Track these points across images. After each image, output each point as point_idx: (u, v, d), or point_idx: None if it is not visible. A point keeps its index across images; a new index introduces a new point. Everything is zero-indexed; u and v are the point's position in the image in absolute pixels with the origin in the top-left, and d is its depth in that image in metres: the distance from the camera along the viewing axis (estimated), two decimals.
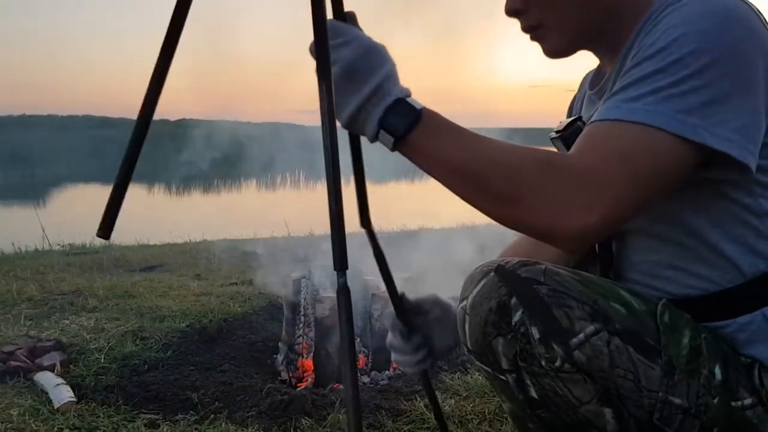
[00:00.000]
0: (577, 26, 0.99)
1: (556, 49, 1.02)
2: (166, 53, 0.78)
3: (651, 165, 0.80)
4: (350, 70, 0.83)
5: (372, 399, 1.88)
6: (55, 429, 1.66)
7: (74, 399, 1.82)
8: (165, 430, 1.69)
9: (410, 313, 1.17)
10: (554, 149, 1.10)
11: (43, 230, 5.86)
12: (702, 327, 0.94)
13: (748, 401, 0.92)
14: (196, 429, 1.71)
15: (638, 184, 0.80)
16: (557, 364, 0.87)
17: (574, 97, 1.23)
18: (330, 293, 2.29)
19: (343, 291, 0.76)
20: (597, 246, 1.07)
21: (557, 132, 1.09)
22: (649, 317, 0.91)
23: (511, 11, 1.01)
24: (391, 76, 0.84)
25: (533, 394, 0.92)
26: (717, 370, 0.91)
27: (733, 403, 0.91)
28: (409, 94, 0.85)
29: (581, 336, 0.87)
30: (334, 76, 0.81)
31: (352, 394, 0.75)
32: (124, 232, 6.40)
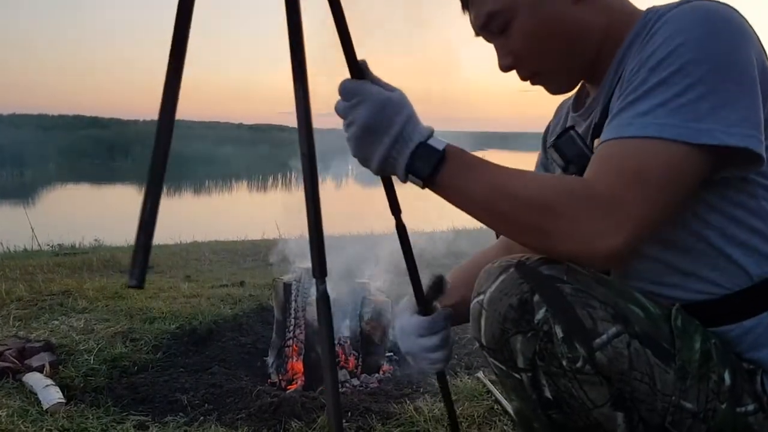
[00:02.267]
0: (569, 68, 1.04)
1: (558, 90, 1.08)
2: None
3: (668, 179, 0.83)
4: (368, 127, 0.89)
5: (362, 402, 1.89)
6: (44, 430, 1.65)
7: (63, 400, 1.82)
8: (154, 431, 1.69)
9: (439, 298, 1.11)
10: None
11: (33, 230, 5.84)
12: (710, 332, 0.94)
13: (750, 407, 0.92)
14: (185, 431, 1.71)
15: (657, 202, 0.83)
16: (579, 364, 0.86)
17: (549, 125, 1.26)
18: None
19: (323, 298, 0.77)
20: None
21: (552, 141, 1.10)
22: (664, 321, 0.91)
23: (504, 68, 1.06)
24: (410, 121, 0.89)
25: (547, 394, 0.90)
26: (726, 376, 0.92)
27: (738, 409, 0.92)
28: (431, 134, 0.90)
29: (604, 337, 0.86)
30: (354, 134, 0.89)
31: (333, 400, 0.75)
32: (114, 233, 6.38)
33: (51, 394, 1.83)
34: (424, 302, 1.09)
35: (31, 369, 2.03)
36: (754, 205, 0.92)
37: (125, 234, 6.30)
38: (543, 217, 0.84)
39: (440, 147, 0.88)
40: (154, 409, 1.87)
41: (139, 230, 0.66)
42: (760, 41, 0.91)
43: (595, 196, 0.84)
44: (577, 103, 1.14)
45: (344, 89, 0.90)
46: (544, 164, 1.26)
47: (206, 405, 1.89)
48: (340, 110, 0.92)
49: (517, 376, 0.92)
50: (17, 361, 2.07)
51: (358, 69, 0.90)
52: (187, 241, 5.92)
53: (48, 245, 5.85)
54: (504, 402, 1.82)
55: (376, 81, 0.91)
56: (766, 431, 0.93)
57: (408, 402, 1.87)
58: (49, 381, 1.92)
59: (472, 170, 0.88)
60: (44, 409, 1.77)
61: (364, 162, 0.92)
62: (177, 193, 15.90)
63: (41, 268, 3.97)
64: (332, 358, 0.76)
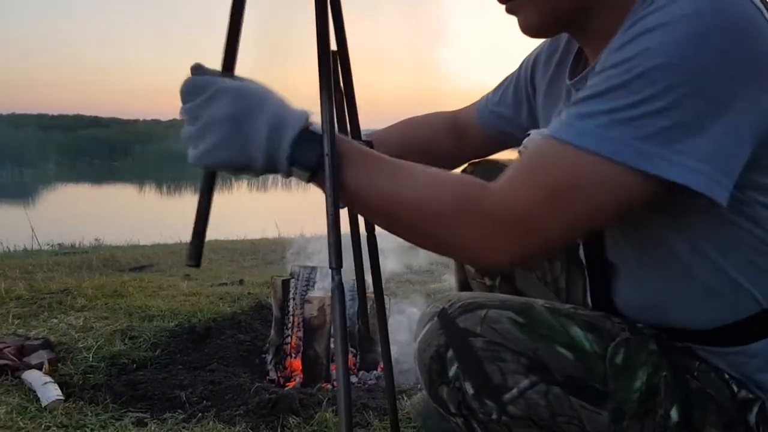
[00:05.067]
0: (553, 2, 0.90)
1: (530, 24, 0.93)
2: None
3: (588, 202, 0.75)
4: (235, 117, 0.75)
5: (359, 398, 1.90)
6: (43, 427, 1.66)
7: (62, 397, 1.82)
8: (153, 428, 1.70)
9: None
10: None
11: (32, 230, 5.84)
12: (665, 363, 0.89)
13: None
14: (183, 427, 1.71)
15: (565, 225, 0.76)
16: (494, 416, 0.87)
17: (539, 55, 1.18)
18: (318, 294, 2.30)
19: (338, 287, 0.78)
20: (588, 280, 1.04)
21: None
22: (598, 360, 0.87)
23: None
24: (280, 104, 0.79)
25: None
26: (673, 412, 0.87)
27: None
28: (308, 117, 0.79)
29: (514, 391, 0.86)
30: (219, 135, 0.75)
31: (344, 387, 0.76)
32: (113, 233, 6.39)
33: (50, 391, 1.83)
34: None
35: (29, 366, 2.03)
36: (755, 228, 0.84)
37: (125, 233, 6.32)
38: (427, 226, 0.79)
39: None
40: (153, 406, 1.88)
41: (197, 219, 0.82)
42: None
43: (490, 206, 0.76)
44: (574, 69, 1.04)
45: (190, 86, 0.78)
46: (515, 85, 1.25)
47: (205, 402, 1.90)
48: (189, 111, 0.77)
49: (453, 419, 0.93)
50: (16, 359, 2.07)
51: (196, 69, 0.80)
52: (187, 240, 5.91)
53: (48, 245, 5.86)
54: None
55: (230, 74, 0.80)
56: None
57: (405, 398, 1.88)
58: (48, 378, 1.93)
59: (360, 164, 0.79)
60: (43, 406, 1.78)
61: (246, 158, 0.77)
62: (177, 192, 15.90)
63: (41, 267, 3.98)
64: (345, 347, 0.78)
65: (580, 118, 0.76)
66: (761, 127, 0.76)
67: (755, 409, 0.90)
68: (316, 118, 0.80)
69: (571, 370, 0.87)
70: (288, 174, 0.79)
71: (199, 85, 0.77)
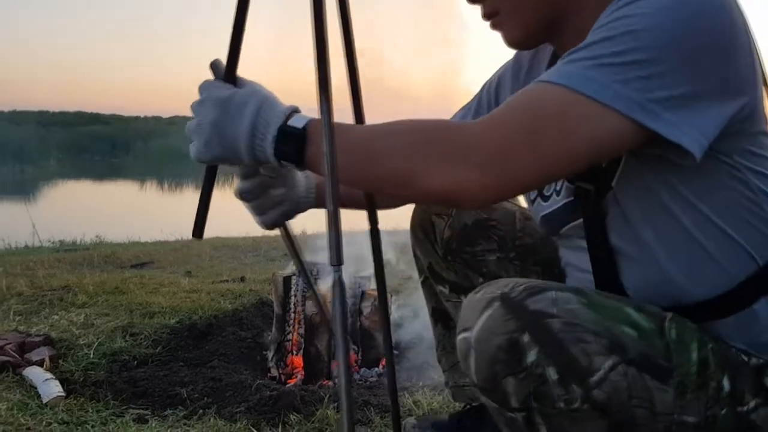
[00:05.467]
0: (532, 15, 0.97)
1: (513, 38, 1.00)
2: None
3: (563, 134, 0.78)
4: (216, 123, 0.86)
5: (361, 395, 1.89)
6: (44, 423, 1.66)
7: (63, 394, 1.82)
8: (153, 425, 1.70)
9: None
10: None
11: (34, 226, 5.84)
12: (706, 335, 0.90)
13: (752, 404, 0.89)
14: (184, 424, 1.71)
15: (540, 154, 0.78)
16: (576, 405, 0.81)
17: (501, 76, 1.21)
18: (319, 291, 2.30)
19: (338, 284, 0.77)
20: (591, 263, 1.02)
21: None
22: (657, 336, 0.86)
23: None
24: (262, 109, 0.86)
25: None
26: (725, 382, 0.88)
27: (738, 409, 0.89)
28: (291, 113, 0.86)
29: (600, 373, 0.81)
30: (207, 134, 0.86)
31: (346, 384, 0.76)
32: (114, 230, 6.39)
33: (51, 388, 1.83)
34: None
35: (30, 363, 2.04)
36: (744, 188, 0.89)
37: (126, 230, 6.31)
38: (409, 160, 0.80)
39: (300, 125, 0.84)
40: (154, 403, 1.88)
41: (201, 194, 0.94)
42: (748, 31, 0.83)
43: (471, 138, 0.80)
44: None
45: (200, 86, 0.90)
46: (476, 112, 1.23)
47: (206, 398, 1.89)
48: (192, 108, 0.90)
49: (511, 415, 0.86)
50: (17, 355, 2.07)
51: (215, 69, 0.91)
52: (188, 237, 5.92)
53: (49, 241, 5.86)
54: None
55: (231, 79, 0.90)
56: None
57: (406, 396, 1.87)
58: (49, 375, 1.93)
59: (335, 137, 0.81)
60: (44, 402, 1.78)
61: (235, 158, 0.88)
62: (178, 189, 15.91)
63: (42, 264, 3.98)
64: (346, 343, 0.78)
65: (566, 64, 0.82)
66: (743, 95, 0.83)
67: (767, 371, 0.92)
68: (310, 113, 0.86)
69: (641, 348, 0.84)
70: (281, 167, 0.88)
71: (201, 87, 0.90)
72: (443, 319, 1.43)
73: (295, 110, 0.87)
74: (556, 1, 0.96)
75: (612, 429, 0.84)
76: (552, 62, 1.08)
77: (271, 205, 1.05)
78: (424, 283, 1.40)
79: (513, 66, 1.20)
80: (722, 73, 0.80)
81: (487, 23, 1.01)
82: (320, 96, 0.79)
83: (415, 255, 1.40)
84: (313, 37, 0.79)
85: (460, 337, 0.88)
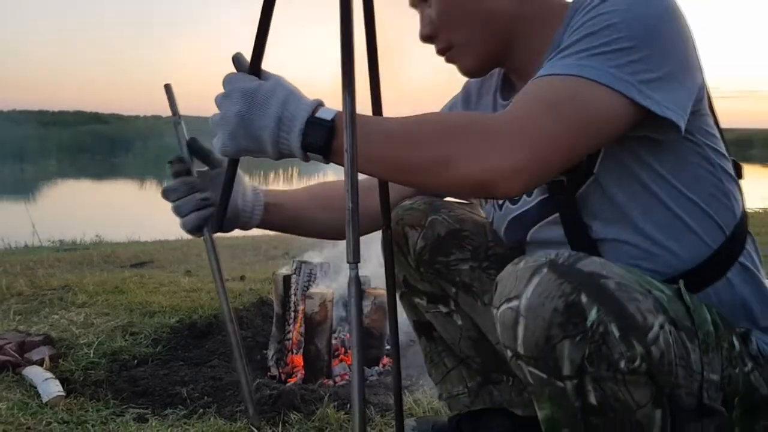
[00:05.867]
0: (483, 46, 1.07)
1: (469, 69, 1.11)
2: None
3: (579, 112, 0.85)
4: (242, 116, 0.87)
5: None
6: (44, 423, 1.66)
7: (63, 393, 1.82)
8: (154, 424, 1.70)
9: (201, 158, 1.12)
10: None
11: (33, 226, 5.84)
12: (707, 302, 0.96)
13: (749, 366, 0.94)
14: (184, 423, 1.71)
15: (564, 127, 0.84)
16: (636, 363, 0.82)
17: (453, 104, 1.29)
18: (320, 289, 2.30)
19: (355, 281, 0.78)
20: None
21: None
22: (679, 300, 0.90)
23: (424, 38, 1.09)
24: (288, 102, 0.87)
25: (592, 400, 0.85)
26: (735, 341, 0.94)
27: (745, 369, 0.94)
28: (317, 106, 0.88)
29: (655, 329, 0.83)
30: (233, 126, 0.88)
31: (358, 379, 0.76)
32: (114, 229, 6.39)
33: (51, 387, 1.83)
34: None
35: (30, 362, 2.04)
36: (703, 161, 0.98)
37: (126, 230, 6.32)
38: (443, 147, 0.84)
39: (329, 117, 0.86)
40: (154, 402, 1.88)
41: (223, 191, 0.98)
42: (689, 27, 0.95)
43: (502, 117, 0.86)
44: (505, 89, 1.17)
45: (224, 80, 0.91)
46: None
47: (206, 397, 1.89)
48: (216, 101, 0.91)
49: (560, 384, 0.85)
50: (17, 355, 2.07)
51: (237, 63, 0.93)
52: (188, 237, 5.91)
53: (49, 241, 5.87)
54: None
55: (255, 72, 0.91)
56: (764, 389, 0.95)
57: (407, 394, 1.87)
58: (49, 374, 1.92)
59: (364, 128, 0.84)
60: (44, 401, 1.78)
61: (260, 151, 0.90)
62: None
63: (41, 264, 3.98)
64: (361, 339, 0.78)
65: (561, 59, 0.89)
66: (697, 78, 0.94)
67: (754, 339, 0.97)
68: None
69: (673, 309, 0.87)
70: (306, 159, 0.88)
71: (226, 80, 0.91)
72: (427, 332, 1.42)
73: (320, 104, 0.88)
74: (504, 30, 1.06)
75: (657, 395, 0.86)
76: (503, 84, 1.18)
77: (192, 207, 1.07)
78: (402, 298, 1.40)
79: (462, 97, 1.28)
80: (685, 58, 0.91)
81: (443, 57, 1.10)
82: (344, 92, 0.80)
83: None
84: (339, 32, 0.80)
85: (503, 308, 0.87)
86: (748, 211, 1.09)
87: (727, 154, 1.03)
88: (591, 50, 0.87)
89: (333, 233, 1.28)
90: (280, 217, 1.21)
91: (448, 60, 1.10)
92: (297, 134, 0.86)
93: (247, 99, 0.87)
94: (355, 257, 0.78)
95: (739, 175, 1.06)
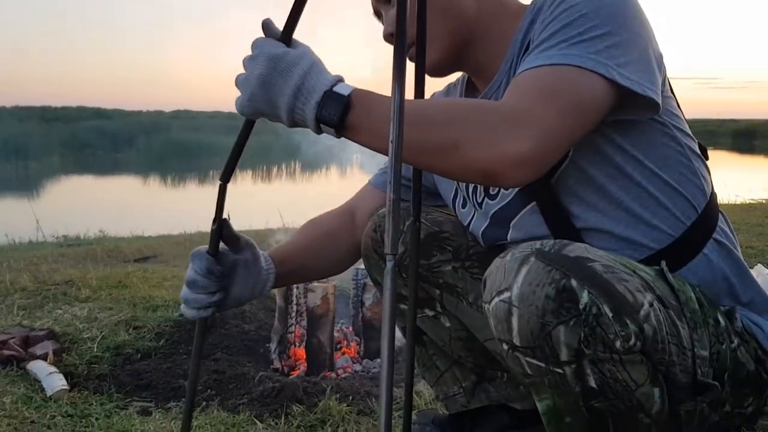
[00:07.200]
0: (446, 39, 1.09)
1: (432, 63, 1.10)
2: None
3: (574, 97, 0.88)
4: (264, 79, 0.89)
5: (363, 386, 1.90)
6: (48, 416, 1.67)
7: (67, 387, 1.83)
8: (157, 417, 1.71)
9: (228, 242, 1.14)
10: None
11: (37, 222, 5.85)
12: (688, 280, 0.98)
13: (735, 343, 0.96)
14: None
15: (564, 114, 0.86)
16: (631, 342, 0.84)
17: None
18: (322, 283, 2.30)
19: (391, 272, 0.77)
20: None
21: None
22: (661, 280, 0.92)
23: (386, 35, 1.12)
24: (310, 73, 0.89)
25: (592, 383, 0.86)
26: (720, 318, 0.95)
27: (731, 345, 0.95)
28: (337, 81, 0.89)
29: (646, 307, 0.85)
30: (253, 87, 0.90)
31: (387, 373, 0.75)
32: (118, 224, 6.40)
33: (55, 381, 1.84)
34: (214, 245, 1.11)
35: (34, 357, 2.05)
36: (672, 141, 1.02)
37: (129, 225, 6.33)
38: (452, 130, 0.85)
39: (346, 92, 0.88)
40: (157, 395, 1.89)
41: (236, 144, 0.99)
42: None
43: (501, 106, 0.88)
44: (469, 94, 1.20)
45: (252, 43, 0.93)
46: None
47: (209, 391, 1.90)
48: (244, 62, 0.93)
49: (558, 370, 0.86)
50: (21, 350, 2.08)
51: (266, 28, 0.94)
52: (192, 231, 5.93)
53: (52, 236, 5.88)
54: None
55: (287, 40, 0.92)
56: (750, 365, 0.97)
57: None
58: (53, 368, 1.94)
59: (378, 108, 0.87)
60: (48, 396, 1.79)
61: (275, 117, 0.92)
62: (181, 183, 15.91)
63: (45, 259, 3.99)
64: (392, 331, 0.76)
65: (542, 51, 0.92)
66: (660, 61, 0.98)
67: (738, 317, 0.99)
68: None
69: (659, 288, 0.90)
70: (318, 132, 0.90)
71: (254, 43, 0.92)
72: (416, 337, 1.43)
73: (340, 80, 0.90)
74: (464, 25, 1.09)
75: (653, 373, 0.88)
76: (468, 89, 1.21)
77: (201, 306, 1.10)
78: None
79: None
80: (651, 42, 0.96)
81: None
82: (394, 83, 0.78)
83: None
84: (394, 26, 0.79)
85: (495, 301, 0.87)
86: (752, 202, 1.15)
87: (692, 135, 1.07)
88: (570, 40, 0.91)
89: (336, 272, 1.34)
90: (285, 282, 1.26)
91: (410, 58, 1.08)
92: (313, 106, 0.87)
93: (272, 64, 0.89)
94: (393, 248, 0.77)
95: (705, 156, 1.09)
